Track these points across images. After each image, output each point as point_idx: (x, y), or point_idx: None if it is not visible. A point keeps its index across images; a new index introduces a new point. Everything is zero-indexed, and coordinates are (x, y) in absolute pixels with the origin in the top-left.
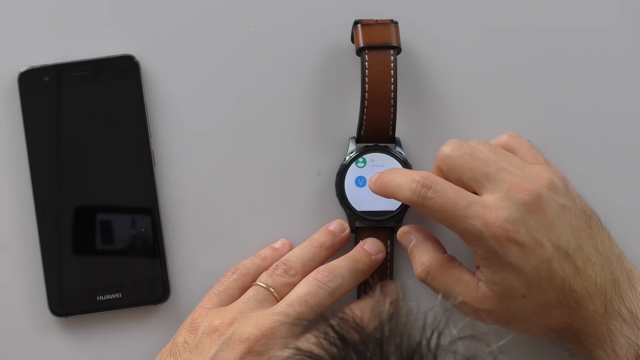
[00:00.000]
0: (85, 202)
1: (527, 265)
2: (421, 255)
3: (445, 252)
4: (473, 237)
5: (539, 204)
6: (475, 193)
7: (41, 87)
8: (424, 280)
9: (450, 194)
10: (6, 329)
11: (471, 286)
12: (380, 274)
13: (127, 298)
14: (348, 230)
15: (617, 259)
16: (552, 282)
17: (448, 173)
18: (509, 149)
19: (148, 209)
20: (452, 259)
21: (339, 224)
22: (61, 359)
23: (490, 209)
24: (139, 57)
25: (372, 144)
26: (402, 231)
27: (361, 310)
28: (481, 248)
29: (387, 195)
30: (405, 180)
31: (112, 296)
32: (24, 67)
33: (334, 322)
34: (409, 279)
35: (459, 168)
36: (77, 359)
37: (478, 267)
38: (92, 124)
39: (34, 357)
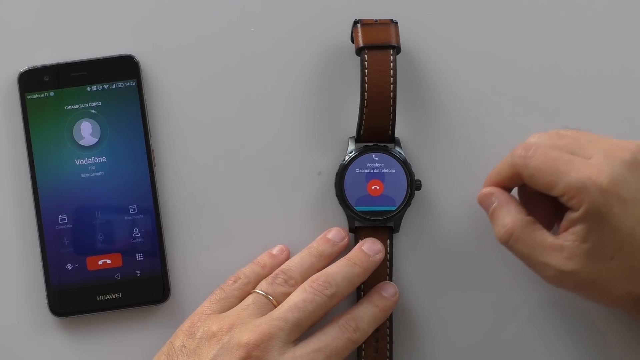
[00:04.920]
0: (85, 202)
1: (624, 225)
2: (504, 217)
3: (527, 214)
4: (577, 192)
5: (637, 163)
6: None
7: (41, 87)
8: (506, 244)
9: (552, 152)
10: (6, 329)
11: (555, 248)
12: (379, 275)
13: (127, 298)
14: (347, 239)
15: None
16: None
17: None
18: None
19: (148, 209)
20: (534, 222)
21: (337, 232)
22: (61, 359)
23: (594, 165)
24: (139, 57)
25: (372, 144)
26: (483, 193)
27: (355, 321)
28: (584, 203)
29: (491, 183)
30: (507, 157)
31: (112, 296)
32: (24, 67)
33: None
34: (409, 280)
35: (553, 147)
36: (77, 359)
37: (566, 229)
38: (92, 124)
39: (34, 357)
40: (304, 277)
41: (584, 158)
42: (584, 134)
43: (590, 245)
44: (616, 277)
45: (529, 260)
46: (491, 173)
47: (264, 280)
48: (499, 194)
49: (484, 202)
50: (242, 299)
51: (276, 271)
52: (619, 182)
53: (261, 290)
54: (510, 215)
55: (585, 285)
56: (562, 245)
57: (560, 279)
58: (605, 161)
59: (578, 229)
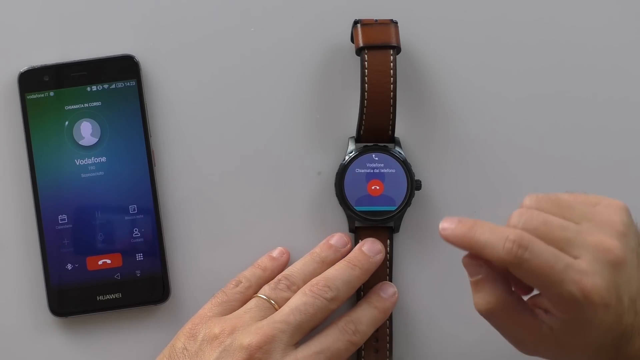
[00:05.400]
0: (85, 202)
1: (604, 324)
2: (488, 294)
3: (511, 289)
4: (567, 303)
5: (623, 261)
6: None
7: (41, 87)
8: (485, 317)
9: (547, 255)
10: (6, 329)
11: (533, 332)
12: (379, 275)
13: (127, 298)
14: (349, 245)
15: None
16: (616, 331)
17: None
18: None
19: (148, 209)
20: (518, 301)
21: (340, 238)
22: (61, 359)
23: (587, 274)
24: (139, 57)
25: (372, 144)
26: (471, 262)
27: (355, 323)
28: (572, 313)
29: (471, 249)
30: (498, 239)
31: (112, 296)
32: (24, 67)
33: None
34: (409, 280)
35: (544, 240)
36: (77, 359)
37: (546, 312)
38: (92, 124)
39: (34, 357)
40: (307, 283)
41: (572, 256)
42: (569, 215)
43: (567, 337)
44: (584, 354)
45: (505, 335)
46: (481, 245)
47: (266, 285)
48: (487, 268)
49: (469, 270)
50: (243, 302)
51: (279, 276)
52: (609, 292)
53: (264, 295)
54: (495, 293)
55: (553, 358)
56: (540, 330)
57: (533, 354)
58: (596, 267)
59: (559, 324)
